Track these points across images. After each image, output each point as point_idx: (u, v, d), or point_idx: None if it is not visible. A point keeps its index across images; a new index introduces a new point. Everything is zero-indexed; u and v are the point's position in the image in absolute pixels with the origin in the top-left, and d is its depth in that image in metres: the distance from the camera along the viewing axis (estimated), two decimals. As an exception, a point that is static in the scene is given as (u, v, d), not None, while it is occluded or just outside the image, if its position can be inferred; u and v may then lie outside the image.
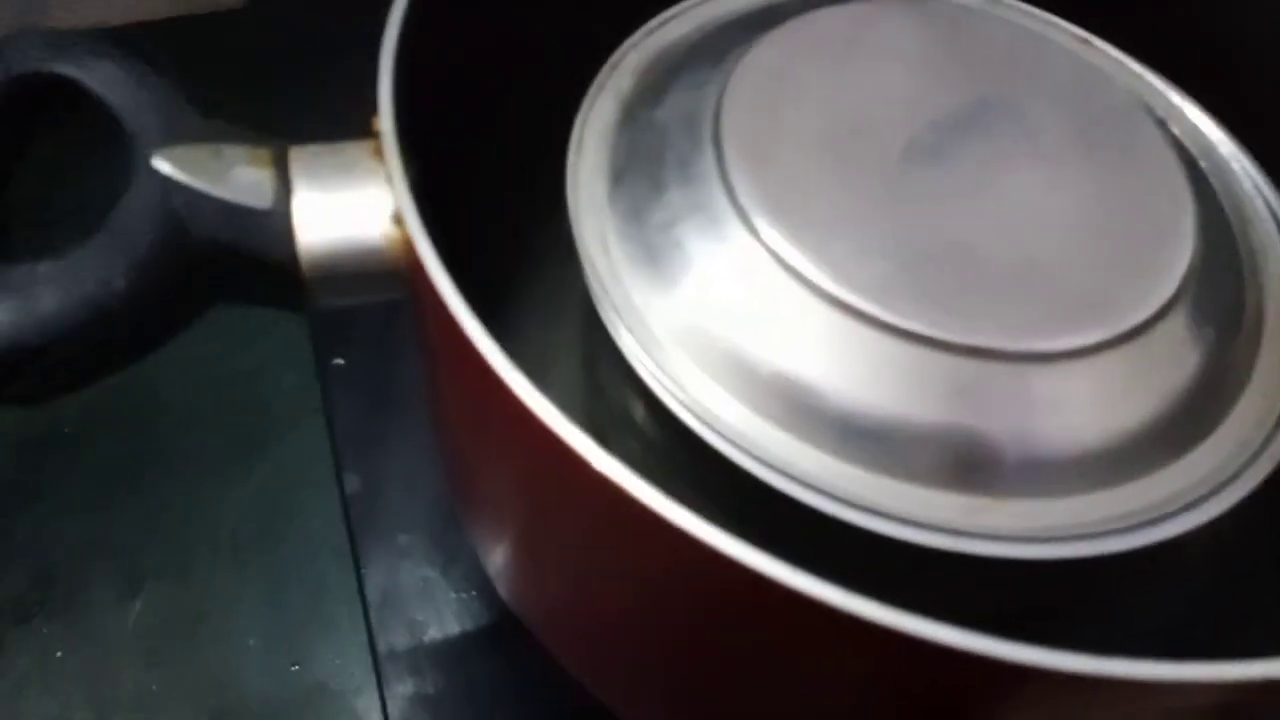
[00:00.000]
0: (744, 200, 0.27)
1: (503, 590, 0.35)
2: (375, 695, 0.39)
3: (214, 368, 0.47)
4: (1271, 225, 0.32)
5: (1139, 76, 0.34)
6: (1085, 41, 0.35)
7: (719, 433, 0.26)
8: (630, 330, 0.27)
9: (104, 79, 0.28)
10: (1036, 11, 0.35)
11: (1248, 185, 0.32)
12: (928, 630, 0.19)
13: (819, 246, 0.26)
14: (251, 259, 0.27)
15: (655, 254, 0.28)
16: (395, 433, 0.44)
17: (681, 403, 0.26)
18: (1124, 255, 0.28)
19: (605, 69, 0.33)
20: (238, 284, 0.31)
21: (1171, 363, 0.28)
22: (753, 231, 0.27)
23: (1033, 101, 0.30)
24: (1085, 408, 0.27)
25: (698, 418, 0.26)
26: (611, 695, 0.32)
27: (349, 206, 0.26)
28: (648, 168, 0.30)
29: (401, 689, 0.39)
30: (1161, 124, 0.32)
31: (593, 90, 0.32)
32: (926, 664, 0.19)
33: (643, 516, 0.20)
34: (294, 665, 0.41)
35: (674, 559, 0.21)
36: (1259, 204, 0.32)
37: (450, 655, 0.40)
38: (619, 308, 0.28)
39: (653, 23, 0.34)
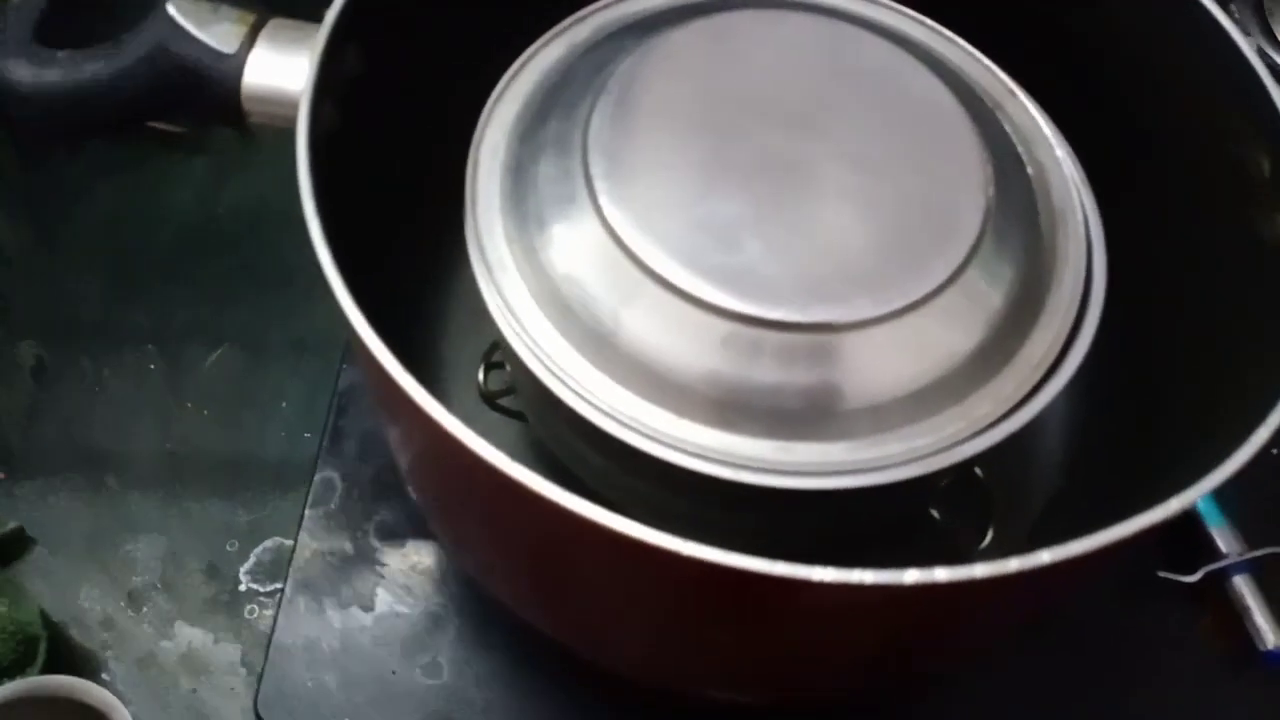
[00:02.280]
0: (597, 186, 0.32)
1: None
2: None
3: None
4: (1074, 190, 0.36)
5: (986, 68, 0.39)
6: (951, 40, 0.39)
7: (568, 387, 0.32)
8: (500, 293, 0.33)
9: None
10: (905, 11, 0.40)
11: (1060, 158, 0.37)
12: (664, 542, 0.25)
13: (651, 227, 0.32)
14: (208, 88, 0.37)
15: (528, 233, 0.33)
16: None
17: (532, 353, 0.32)
18: (921, 228, 0.33)
19: (513, 68, 0.38)
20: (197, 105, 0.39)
21: (959, 325, 0.33)
22: (598, 212, 0.32)
23: (863, 100, 0.35)
24: (885, 366, 0.32)
25: (547, 369, 0.32)
26: (499, 591, 0.39)
27: (286, 67, 0.36)
28: (532, 162, 0.35)
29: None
30: (985, 110, 0.36)
31: (500, 86, 0.37)
32: (673, 570, 0.26)
33: (493, 477, 0.26)
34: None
35: (521, 508, 0.27)
36: (1066, 170, 0.37)
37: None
38: (493, 274, 0.33)
39: (562, 24, 0.39)
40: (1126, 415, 0.40)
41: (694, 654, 0.35)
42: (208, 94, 0.37)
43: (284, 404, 0.58)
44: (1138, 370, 0.39)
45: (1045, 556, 0.27)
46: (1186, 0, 0.37)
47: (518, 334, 0.32)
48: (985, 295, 0.33)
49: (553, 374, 0.32)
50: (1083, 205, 0.36)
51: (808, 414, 0.32)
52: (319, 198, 0.30)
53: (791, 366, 0.31)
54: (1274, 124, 0.34)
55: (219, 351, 0.59)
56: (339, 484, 0.49)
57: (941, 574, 0.26)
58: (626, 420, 0.31)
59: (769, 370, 0.31)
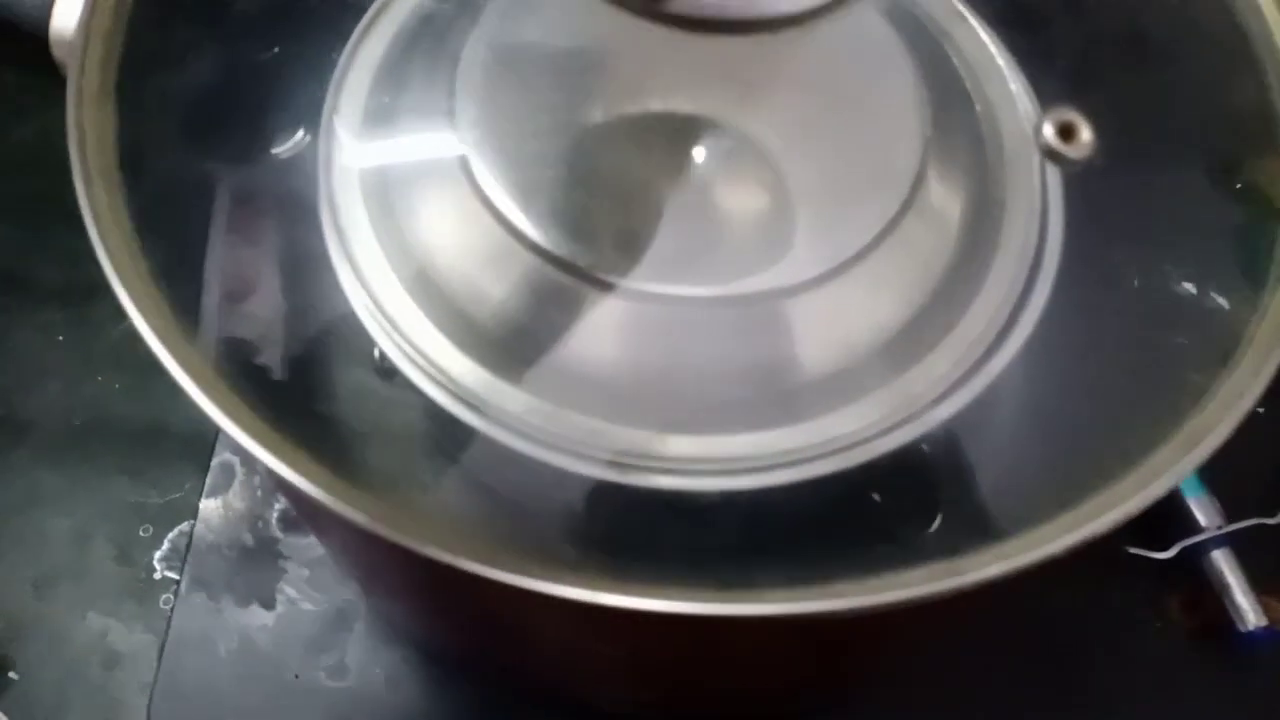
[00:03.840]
0: (469, 146, 0.28)
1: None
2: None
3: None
4: (1029, 130, 0.32)
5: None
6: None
7: (439, 384, 0.27)
8: (353, 265, 0.28)
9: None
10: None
11: (1015, 93, 0.32)
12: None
13: (532, 194, 0.27)
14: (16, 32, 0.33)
15: (388, 200, 0.29)
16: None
17: (396, 346, 0.28)
18: (847, 182, 0.29)
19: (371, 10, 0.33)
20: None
21: (894, 289, 0.29)
22: (471, 178, 0.27)
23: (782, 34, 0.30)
24: (811, 340, 0.28)
25: (413, 363, 0.27)
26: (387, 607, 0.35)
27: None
28: (395, 114, 0.30)
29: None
30: (929, 38, 0.32)
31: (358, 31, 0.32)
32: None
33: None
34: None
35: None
36: (1020, 107, 0.32)
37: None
38: (346, 242, 0.29)
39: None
40: (1087, 377, 0.36)
41: (592, 673, 0.31)
42: (17, 39, 0.32)
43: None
44: (1103, 321, 0.35)
45: (1020, 559, 0.22)
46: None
47: (370, 307, 0.28)
48: (923, 253, 0.29)
49: (409, 356, 0.27)
50: (1040, 148, 0.32)
51: (725, 403, 0.27)
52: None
53: (706, 348, 0.27)
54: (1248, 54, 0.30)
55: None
56: (238, 469, 0.45)
57: (896, 593, 0.21)
58: (500, 413, 0.26)
59: (676, 354, 0.27)
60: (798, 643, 0.26)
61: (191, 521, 0.48)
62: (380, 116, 0.30)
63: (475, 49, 0.29)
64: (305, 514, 0.35)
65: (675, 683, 0.31)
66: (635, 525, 0.26)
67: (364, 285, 0.27)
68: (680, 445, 0.26)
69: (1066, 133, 0.26)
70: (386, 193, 0.28)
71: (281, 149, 0.31)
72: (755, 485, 0.26)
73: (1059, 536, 0.23)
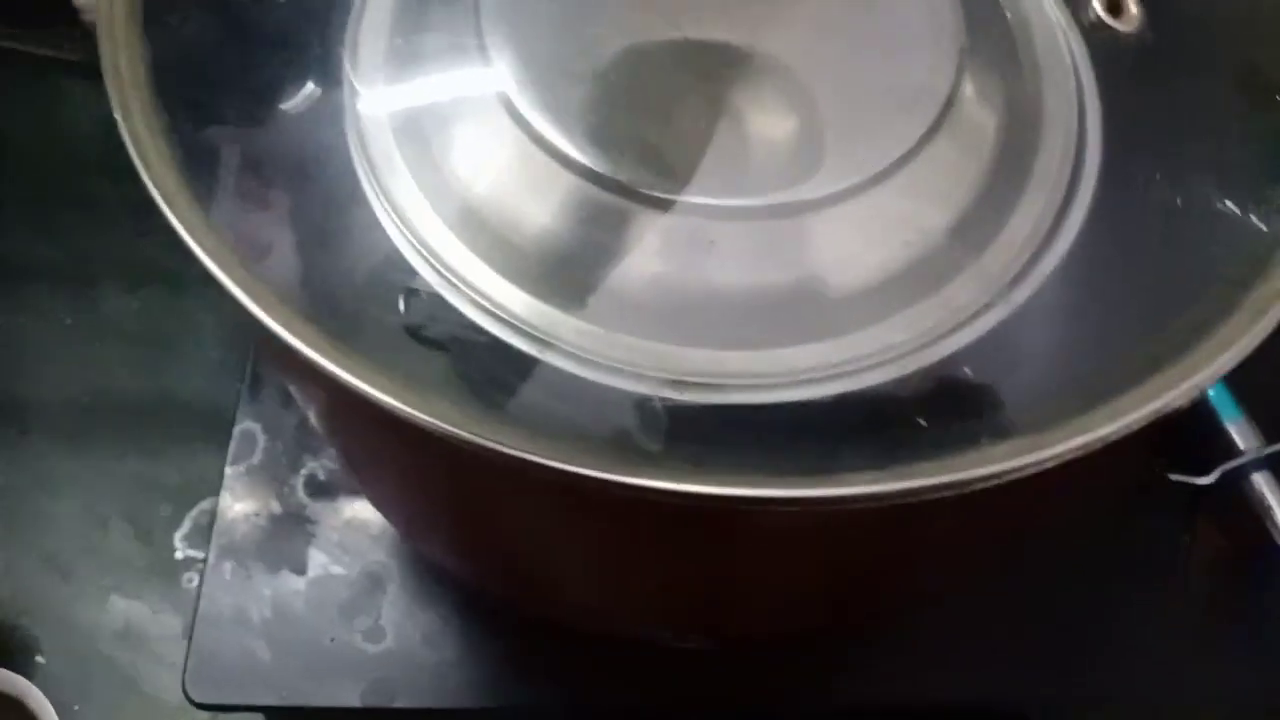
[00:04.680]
0: (502, 75, 0.27)
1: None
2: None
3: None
4: (1060, 36, 0.31)
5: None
6: None
7: (480, 306, 0.27)
8: (388, 199, 0.28)
9: None
10: None
11: (1045, 8, 0.32)
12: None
13: (568, 117, 0.26)
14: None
15: (421, 128, 0.28)
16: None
17: (436, 269, 0.27)
18: (883, 91, 0.28)
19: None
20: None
21: (932, 199, 0.28)
22: (509, 105, 0.27)
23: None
24: (851, 251, 0.28)
25: (454, 285, 0.27)
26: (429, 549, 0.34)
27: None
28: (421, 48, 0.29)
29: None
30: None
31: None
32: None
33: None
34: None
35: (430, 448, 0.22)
36: (1049, 13, 0.32)
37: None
38: (379, 176, 0.28)
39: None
40: (1124, 294, 0.35)
41: (641, 597, 0.30)
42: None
43: (209, 347, 0.53)
44: (1135, 241, 0.34)
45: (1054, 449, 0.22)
46: None
47: (415, 246, 0.27)
48: (960, 164, 0.29)
49: (461, 292, 0.27)
50: (1072, 53, 0.31)
51: (767, 316, 0.27)
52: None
53: (745, 259, 0.27)
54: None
55: (136, 291, 0.54)
56: (260, 436, 0.44)
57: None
58: (557, 340, 0.26)
59: (718, 267, 0.27)
60: (879, 532, 0.26)
61: (212, 499, 0.47)
62: (404, 58, 0.29)
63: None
64: (354, 441, 0.34)
65: (727, 600, 0.31)
66: (692, 441, 0.25)
67: (405, 225, 0.27)
68: (734, 361, 0.26)
69: (1115, 8, 0.25)
70: (421, 132, 0.28)
71: (301, 99, 0.30)
72: (809, 396, 0.26)
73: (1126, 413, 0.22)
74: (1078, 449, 0.22)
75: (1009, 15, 0.31)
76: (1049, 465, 0.22)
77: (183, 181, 0.23)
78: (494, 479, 0.24)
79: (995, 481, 0.21)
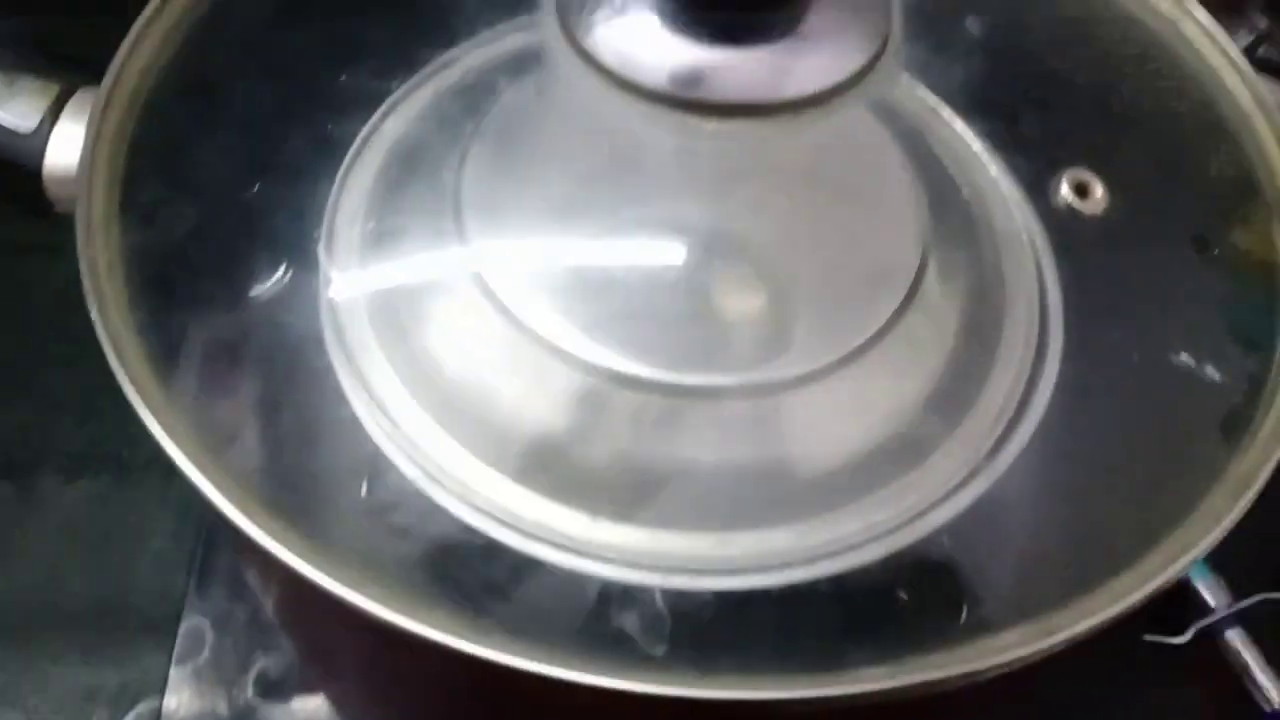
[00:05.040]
0: (479, 254, 0.27)
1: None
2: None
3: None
4: (1015, 211, 0.32)
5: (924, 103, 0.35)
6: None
7: (452, 492, 0.26)
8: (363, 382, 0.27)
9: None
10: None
11: (995, 177, 0.33)
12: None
13: (543, 296, 0.26)
14: (6, 172, 0.32)
15: (397, 310, 0.28)
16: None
17: (407, 455, 0.26)
18: (851, 270, 0.29)
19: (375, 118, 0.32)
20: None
21: (907, 374, 0.28)
22: (483, 286, 0.27)
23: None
24: (828, 429, 0.27)
25: (424, 471, 0.26)
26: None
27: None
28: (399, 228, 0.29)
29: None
30: (912, 130, 0.32)
31: (357, 142, 0.32)
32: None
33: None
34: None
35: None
36: (1004, 189, 0.32)
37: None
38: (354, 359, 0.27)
39: (425, 70, 0.34)
40: (1102, 459, 0.35)
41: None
42: (7, 179, 0.31)
43: (154, 539, 0.50)
44: (1106, 408, 0.35)
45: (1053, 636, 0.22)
46: None
47: (386, 433, 0.26)
48: (932, 337, 0.29)
49: (432, 478, 0.26)
50: (1028, 226, 0.32)
51: (745, 497, 0.26)
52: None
53: (721, 440, 0.26)
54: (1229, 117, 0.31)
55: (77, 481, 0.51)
56: (209, 632, 0.42)
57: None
58: (527, 527, 0.25)
59: (693, 446, 0.26)
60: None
61: (151, 701, 0.44)
62: (378, 242, 0.29)
63: (477, 166, 0.28)
64: (318, 637, 0.32)
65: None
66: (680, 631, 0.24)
67: (382, 412, 0.26)
68: (716, 545, 0.25)
69: (1082, 190, 0.26)
70: (396, 316, 0.28)
71: (275, 283, 0.30)
72: (796, 580, 0.25)
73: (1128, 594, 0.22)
74: (1086, 632, 0.21)
75: (965, 191, 0.32)
76: (1059, 649, 0.21)
77: (154, 374, 0.22)
78: (478, 682, 0.22)
79: (1007, 669, 0.21)
